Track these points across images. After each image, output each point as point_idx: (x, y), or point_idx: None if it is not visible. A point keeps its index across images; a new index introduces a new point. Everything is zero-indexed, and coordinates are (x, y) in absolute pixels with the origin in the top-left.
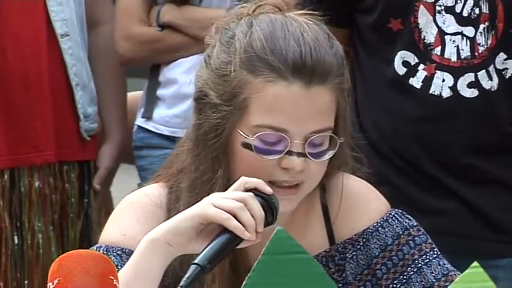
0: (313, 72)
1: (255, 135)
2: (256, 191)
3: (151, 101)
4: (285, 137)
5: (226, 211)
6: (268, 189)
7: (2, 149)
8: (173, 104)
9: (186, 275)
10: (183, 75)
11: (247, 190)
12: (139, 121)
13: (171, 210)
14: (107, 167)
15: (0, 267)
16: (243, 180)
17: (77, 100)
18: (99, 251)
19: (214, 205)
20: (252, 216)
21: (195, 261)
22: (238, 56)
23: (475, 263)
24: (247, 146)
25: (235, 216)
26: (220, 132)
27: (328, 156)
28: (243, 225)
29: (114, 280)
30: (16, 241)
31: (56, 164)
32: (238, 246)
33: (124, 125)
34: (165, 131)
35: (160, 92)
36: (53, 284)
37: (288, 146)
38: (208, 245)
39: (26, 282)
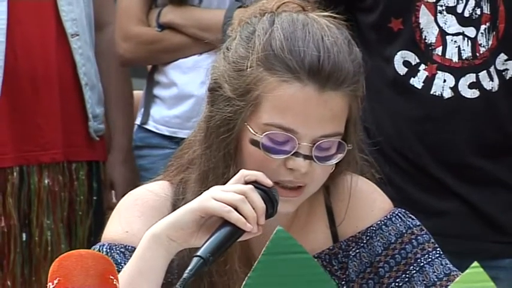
0: (329, 78)
1: (264, 134)
2: (256, 184)
3: (149, 102)
4: (293, 138)
5: (227, 204)
6: (268, 182)
7: (9, 147)
8: (173, 104)
9: (189, 267)
10: (183, 76)
11: (247, 183)
12: (139, 121)
13: (176, 202)
14: (120, 183)
15: (8, 264)
16: (243, 173)
17: (86, 100)
18: (102, 248)
19: (214, 198)
20: (253, 209)
21: (198, 254)
22: (256, 52)
23: (475, 263)
24: (255, 143)
25: (236, 209)
26: (232, 127)
27: (334, 161)
28: (245, 218)
29: (114, 280)
30: (24, 238)
31: (65, 161)
32: (240, 239)
33: (130, 128)
34: (165, 131)
35: (160, 92)
36: (53, 284)
37: (295, 147)
38: (210, 238)
39: (33, 279)
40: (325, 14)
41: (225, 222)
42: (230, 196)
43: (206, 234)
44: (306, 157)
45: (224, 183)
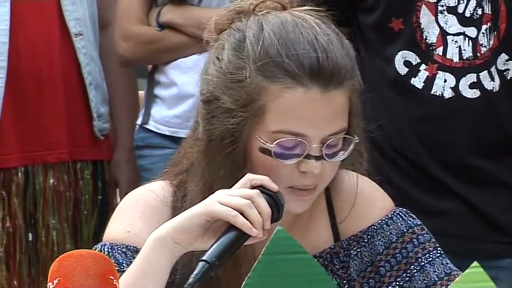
0: (331, 77)
1: (275, 142)
2: (262, 188)
3: (150, 101)
4: (303, 142)
5: (233, 208)
6: (274, 186)
7: (14, 147)
8: (174, 104)
9: (195, 272)
10: (183, 76)
11: (253, 187)
12: (140, 121)
13: (176, 207)
14: (124, 182)
15: (15, 264)
16: (249, 177)
17: (91, 99)
18: (103, 248)
19: (220, 202)
20: (259, 213)
21: (203, 258)
22: (252, 61)
23: (475, 263)
24: (265, 151)
25: (242, 213)
26: (237, 139)
27: (342, 156)
28: (250, 222)
29: (114, 280)
30: (30, 238)
31: (70, 161)
32: (245, 243)
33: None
34: (166, 131)
35: (160, 92)
36: (52, 284)
37: (306, 149)
38: (215, 242)
39: (40, 279)
40: (306, 9)
41: (230, 227)
42: (236, 200)
43: (211, 238)
44: (317, 158)
45: None
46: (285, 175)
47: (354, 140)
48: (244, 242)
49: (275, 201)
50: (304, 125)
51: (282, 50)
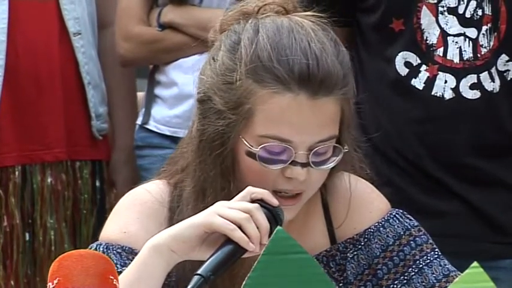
0: (320, 85)
1: (260, 146)
2: (261, 202)
3: (150, 101)
4: (289, 148)
5: (231, 221)
6: (274, 201)
7: (12, 146)
8: (174, 104)
9: (190, 285)
10: (183, 76)
11: (253, 201)
12: (140, 121)
13: (172, 207)
14: (122, 183)
15: (12, 264)
16: (250, 190)
17: (89, 99)
18: (99, 248)
19: (219, 215)
20: (258, 228)
21: (199, 272)
22: (244, 64)
23: (475, 263)
24: (251, 155)
25: (240, 227)
26: (226, 141)
27: (331, 164)
28: (248, 237)
29: (114, 280)
30: (27, 238)
31: (68, 160)
32: (241, 257)
33: (133, 129)
34: (166, 131)
35: (161, 92)
36: (52, 284)
37: (292, 156)
38: (212, 256)
39: (37, 279)
40: (308, 14)
41: (228, 240)
42: (235, 214)
43: (207, 249)
44: (303, 165)
45: (224, 197)
46: (271, 180)
47: (343, 150)
48: (240, 256)
49: (274, 216)
50: (291, 131)
51: (273, 55)
